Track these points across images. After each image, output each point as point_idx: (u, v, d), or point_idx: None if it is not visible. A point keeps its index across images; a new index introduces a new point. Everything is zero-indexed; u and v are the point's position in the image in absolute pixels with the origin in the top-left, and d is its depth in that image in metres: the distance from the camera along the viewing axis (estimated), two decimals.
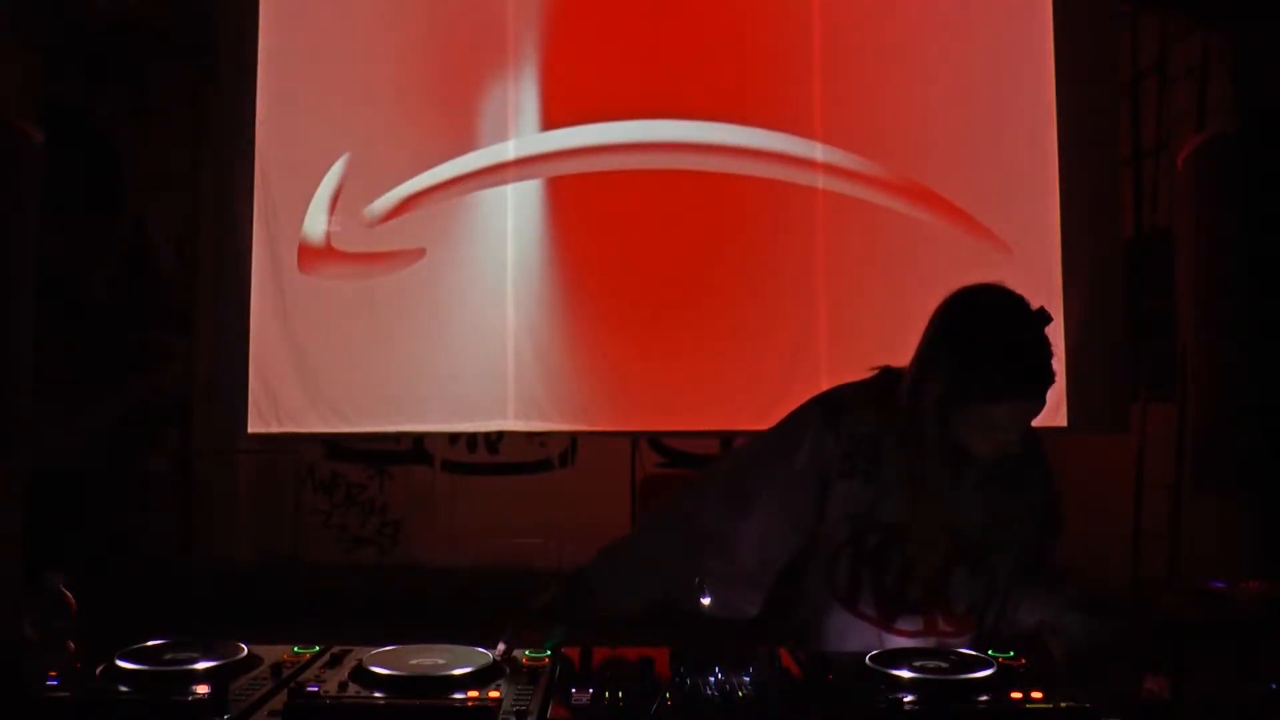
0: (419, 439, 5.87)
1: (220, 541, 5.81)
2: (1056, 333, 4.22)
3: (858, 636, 1.67)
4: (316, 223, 4.41)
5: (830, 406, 1.69)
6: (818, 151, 4.35)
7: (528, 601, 1.67)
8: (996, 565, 1.68)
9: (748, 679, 1.40)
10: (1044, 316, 1.55)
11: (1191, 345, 3.83)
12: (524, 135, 4.43)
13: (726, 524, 1.70)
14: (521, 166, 4.41)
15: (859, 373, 1.75)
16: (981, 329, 1.56)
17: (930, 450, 1.59)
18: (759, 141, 4.34)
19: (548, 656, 1.51)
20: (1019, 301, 1.58)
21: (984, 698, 1.34)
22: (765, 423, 1.78)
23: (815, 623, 1.72)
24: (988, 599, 1.69)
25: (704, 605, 1.54)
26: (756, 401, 4.08)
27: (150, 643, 1.48)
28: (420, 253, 4.40)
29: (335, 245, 4.42)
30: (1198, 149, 3.44)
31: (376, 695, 1.33)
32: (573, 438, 5.65)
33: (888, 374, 1.70)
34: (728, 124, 4.36)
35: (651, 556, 1.72)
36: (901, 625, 1.66)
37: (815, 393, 1.76)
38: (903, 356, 1.67)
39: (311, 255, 4.41)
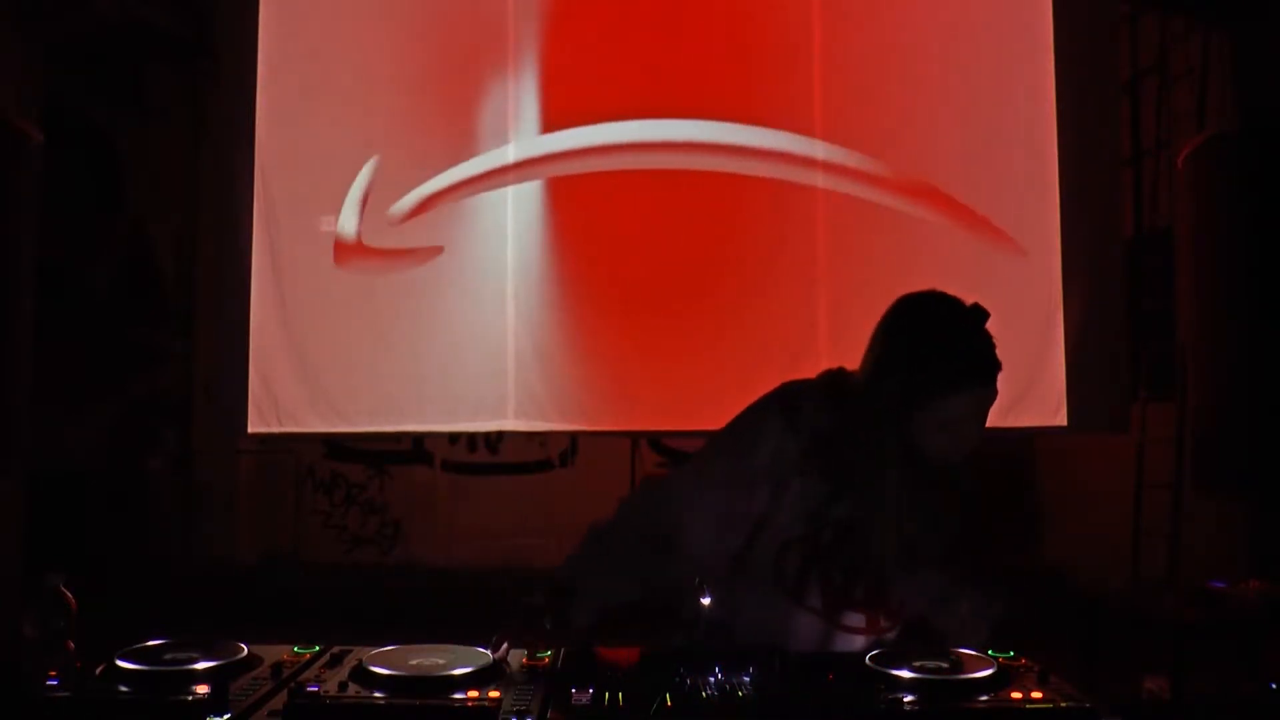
0: (419, 439, 5.86)
1: (220, 541, 5.81)
2: (1056, 332, 4.24)
3: (803, 632, 1.69)
4: (347, 220, 4.41)
5: (788, 404, 1.73)
6: (818, 150, 4.35)
7: (520, 604, 1.68)
8: (935, 568, 1.71)
9: (748, 679, 1.40)
10: (981, 312, 1.65)
11: (1191, 345, 3.83)
12: (524, 135, 4.43)
13: (685, 519, 1.73)
14: (521, 169, 4.41)
15: None
16: (930, 330, 1.65)
17: (887, 451, 1.65)
18: (759, 140, 4.34)
19: (548, 656, 1.52)
20: (957, 302, 1.67)
21: (984, 698, 1.34)
22: None
23: (756, 616, 1.72)
24: (924, 599, 1.72)
25: (704, 605, 1.54)
26: None
27: (150, 643, 1.48)
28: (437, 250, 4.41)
29: (364, 242, 4.44)
30: (1198, 149, 3.44)
31: (376, 695, 1.33)
32: (573, 438, 5.65)
33: (840, 374, 1.75)
34: (728, 123, 4.37)
35: (620, 556, 1.75)
36: (846, 621, 1.70)
37: None
38: None
39: (344, 250, 4.44)
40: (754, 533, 1.70)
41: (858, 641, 1.70)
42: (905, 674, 1.39)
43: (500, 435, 4.91)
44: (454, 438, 5.70)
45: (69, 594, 1.45)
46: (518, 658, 1.52)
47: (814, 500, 1.67)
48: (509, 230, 4.41)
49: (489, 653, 1.50)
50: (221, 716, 1.26)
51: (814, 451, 1.68)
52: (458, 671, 1.40)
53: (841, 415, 1.68)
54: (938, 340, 1.63)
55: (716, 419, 1.80)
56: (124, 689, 1.35)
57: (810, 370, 1.80)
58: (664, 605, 1.70)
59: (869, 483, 1.66)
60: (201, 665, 1.41)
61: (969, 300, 1.66)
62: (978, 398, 1.63)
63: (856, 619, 1.69)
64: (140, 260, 5.71)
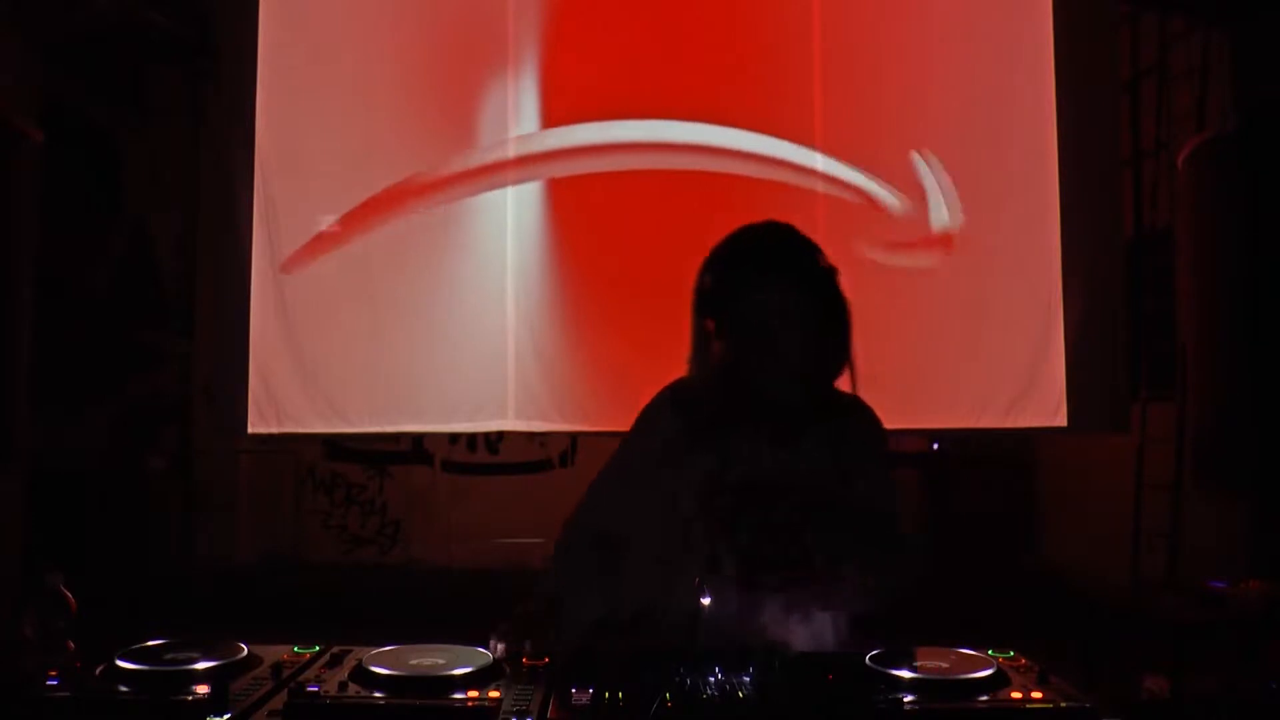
0: (419, 439, 5.86)
1: (220, 541, 5.81)
2: (1055, 332, 4.23)
3: (727, 598, 1.70)
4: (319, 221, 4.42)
5: (677, 394, 1.91)
6: (818, 161, 4.34)
7: (515, 614, 1.69)
8: (838, 519, 1.73)
9: (748, 679, 1.40)
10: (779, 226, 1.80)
11: (1191, 345, 3.83)
12: (524, 134, 4.43)
13: (622, 523, 1.82)
14: (521, 167, 4.41)
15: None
16: (727, 242, 1.87)
17: (741, 395, 1.77)
18: (758, 146, 4.34)
19: (547, 657, 1.52)
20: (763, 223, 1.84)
21: (984, 698, 1.34)
22: None
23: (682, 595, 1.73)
24: (838, 553, 1.73)
25: (703, 605, 1.54)
26: None
27: (150, 643, 1.48)
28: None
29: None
30: (1198, 149, 3.44)
31: (376, 695, 1.33)
32: (573, 438, 5.65)
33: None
34: (727, 127, 4.36)
35: (584, 568, 1.82)
36: (764, 580, 1.72)
37: None
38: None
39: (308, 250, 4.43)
40: (674, 516, 1.77)
41: (780, 605, 1.71)
42: (905, 674, 1.39)
43: (500, 435, 4.92)
44: (454, 438, 5.71)
45: (69, 594, 1.45)
46: (518, 657, 1.52)
47: (710, 471, 1.76)
48: (509, 229, 4.40)
49: (489, 653, 1.50)
50: (221, 716, 1.27)
51: (701, 427, 1.81)
52: (458, 671, 1.40)
53: (723, 392, 1.81)
54: (729, 241, 1.85)
55: None
56: (124, 689, 1.35)
57: None
58: (645, 608, 1.72)
59: (749, 442, 1.76)
60: (201, 665, 1.41)
61: None
62: (776, 303, 1.74)
63: (772, 578, 1.72)
64: (140, 260, 5.71)
